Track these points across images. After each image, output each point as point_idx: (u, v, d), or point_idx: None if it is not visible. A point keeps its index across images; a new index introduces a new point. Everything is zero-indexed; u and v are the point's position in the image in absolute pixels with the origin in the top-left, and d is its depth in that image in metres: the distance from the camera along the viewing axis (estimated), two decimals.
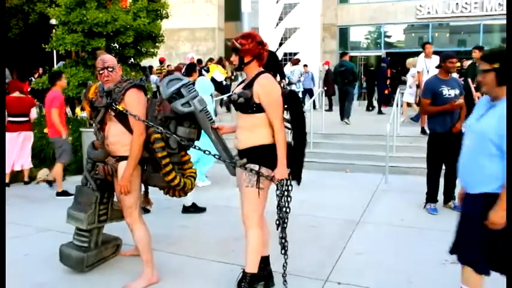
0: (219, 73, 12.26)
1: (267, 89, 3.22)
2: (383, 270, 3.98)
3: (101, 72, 3.61)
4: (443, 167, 5.83)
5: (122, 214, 3.92)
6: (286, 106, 3.32)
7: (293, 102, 3.34)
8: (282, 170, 3.23)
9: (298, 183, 3.38)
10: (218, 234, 4.92)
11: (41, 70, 16.62)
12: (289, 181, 3.31)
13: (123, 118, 3.54)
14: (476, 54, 9.29)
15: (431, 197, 5.78)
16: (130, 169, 3.50)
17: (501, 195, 2.60)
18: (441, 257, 4.28)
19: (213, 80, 11.77)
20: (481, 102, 2.88)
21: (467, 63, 13.27)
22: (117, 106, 3.53)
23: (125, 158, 3.55)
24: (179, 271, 3.98)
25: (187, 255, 4.31)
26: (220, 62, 12.90)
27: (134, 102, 3.53)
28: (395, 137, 8.82)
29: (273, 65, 8.46)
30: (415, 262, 4.19)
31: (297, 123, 3.31)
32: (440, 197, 5.86)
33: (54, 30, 12.45)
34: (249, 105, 3.24)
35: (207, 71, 12.45)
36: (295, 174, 3.36)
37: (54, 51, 14.27)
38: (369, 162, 8.33)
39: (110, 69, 3.59)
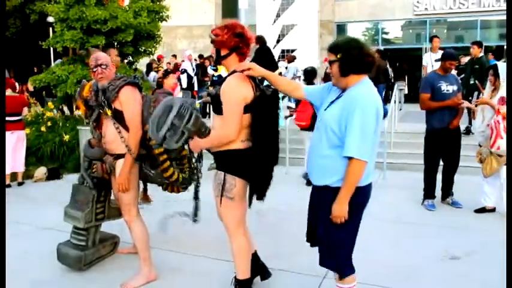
0: (225, 71, 12.25)
1: (226, 89, 2.96)
2: (381, 266, 3.99)
3: (94, 69, 3.59)
4: (441, 163, 5.84)
5: (119, 212, 3.92)
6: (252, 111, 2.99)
7: (260, 107, 3.01)
8: (195, 142, 3.09)
9: (258, 198, 3.13)
10: (216, 231, 4.90)
11: (35, 69, 16.60)
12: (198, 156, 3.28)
13: (118, 116, 3.52)
14: (475, 50, 9.25)
15: (428, 193, 5.79)
16: (128, 166, 3.50)
17: (342, 188, 2.60)
18: (439, 252, 4.30)
19: (220, 77, 11.76)
20: (332, 90, 2.81)
21: (465, 59, 13.25)
22: (106, 110, 3.53)
23: (122, 155, 3.54)
24: (177, 268, 3.98)
25: (185, 253, 4.31)
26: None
27: (129, 100, 3.52)
28: (393, 133, 8.82)
29: (268, 62, 8.42)
30: (413, 258, 4.20)
31: (257, 130, 2.99)
32: (438, 193, 5.87)
33: (51, 28, 12.42)
34: (216, 105, 3.03)
35: (215, 70, 12.40)
36: (258, 190, 3.11)
37: (52, 49, 14.24)
38: None
39: (104, 67, 3.57)
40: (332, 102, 2.74)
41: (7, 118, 6.94)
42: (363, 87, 2.65)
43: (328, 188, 2.67)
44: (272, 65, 9.50)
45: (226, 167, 3.06)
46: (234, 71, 3.02)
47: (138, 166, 3.65)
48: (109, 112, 3.52)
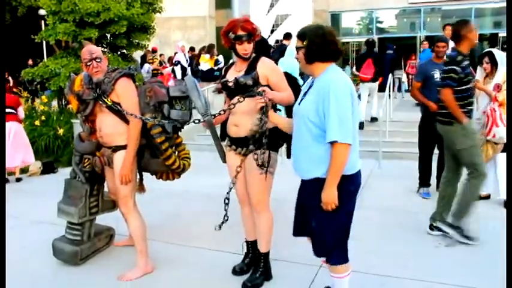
0: (203, 63, 12.19)
1: (274, 67, 3.30)
2: (377, 255, 4.00)
3: (88, 63, 3.52)
4: (436, 151, 5.84)
5: (113, 205, 3.90)
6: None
7: (290, 80, 3.42)
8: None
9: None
10: (212, 223, 4.91)
11: (30, 61, 16.46)
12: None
13: (116, 109, 3.50)
14: (448, 31, 9.18)
15: (423, 181, 5.80)
16: (131, 158, 3.51)
17: (328, 174, 2.61)
18: (435, 240, 4.32)
19: (211, 70, 11.74)
20: (306, 83, 2.87)
21: None
22: (106, 100, 3.49)
23: (121, 147, 3.55)
24: (174, 260, 3.98)
25: (181, 244, 4.31)
26: (209, 50, 12.66)
27: (126, 91, 3.51)
28: (388, 122, 8.82)
29: (263, 52, 8.41)
30: (409, 246, 4.22)
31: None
32: (433, 181, 5.88)
33: (42, 21, 12.28)
34: (248, 88, 3.20)
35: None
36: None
37: (44, 43, 14.12)
38: (362, 147, 8.17)
39: (98, 60, 3.53)
40: (304, 94, 2.78)
41: None
42: (332, 73, 2.67)
43: (319, 179, 2.67)
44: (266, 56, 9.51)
45: (270, 144, 3.19)
46: (258, 56, 3.35)
47: (136, 157, 3.63)
48: (109, 101, 3.49)
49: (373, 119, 9.68)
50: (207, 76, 11.85)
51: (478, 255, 3.97)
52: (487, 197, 5.48)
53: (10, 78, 16.86)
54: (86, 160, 3.80)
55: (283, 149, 3.67)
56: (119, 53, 10.66)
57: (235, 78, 3.27)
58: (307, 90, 2.77)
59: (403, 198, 5.70)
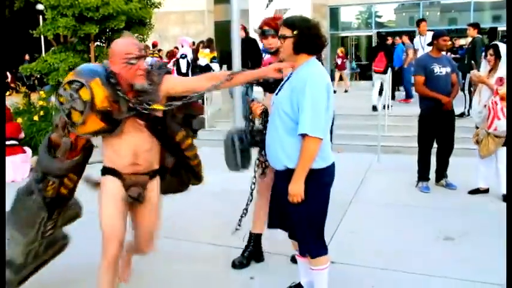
0: (202, 58, 12.15)
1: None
2: (376, 249, 4.01)
3: (133, 62, 2.56)
4: (435, 145, 5.85)
5: (73, 214, 3.21)
6: None
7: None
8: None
9: None
10: (213, 218, 4.93)
11: (27, 56, 16.45)
12: None
13: (158, 125, 2.77)
14: (471, 31, 9.15)
15: (422, 175, 5.80)
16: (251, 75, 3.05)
17: (297, 166, 2.63)
18: (433, 233, 4.33)
19: (207, 66, 11.69)
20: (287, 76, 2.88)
21: (458, 42, 13.19)
22: (157, 106, 2.66)
23: (157, 171, 2.91)
24: (173, 255, 3.99)
25: (181, 239, 4.32)
26: (208, 45, 12.61)
27: (176, 78, 3.18)
28: (387, 116, 8.82)
29: (253, 52, 8.35)
30: (408, 239, 4.23)
31: None
32: (432, 175, 5.89)
33: (40, 16, 12.23)
34: (273, 85, 3.22)
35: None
36: None
37: (42, 37, 14.09)
38: (361, 142, 8.34)
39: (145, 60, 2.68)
40: (281, 85, 2.80)
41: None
42: (311, 67, 2.70)
43: (290, 170, 2.68)
44: (257, 56, 9.39)
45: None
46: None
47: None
48: (161, 106, 2.68)
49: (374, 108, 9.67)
50: (204, 72, 11.79)
51: (477, 250, 3.98)
52: (486, 191, 5.49)
53: (8, 73, 16.84)
54: (50, 183, 2.83)
55: None
56: None
57: None
58: (285, 81, 2.79)
59: (402, 193, 5.71)
